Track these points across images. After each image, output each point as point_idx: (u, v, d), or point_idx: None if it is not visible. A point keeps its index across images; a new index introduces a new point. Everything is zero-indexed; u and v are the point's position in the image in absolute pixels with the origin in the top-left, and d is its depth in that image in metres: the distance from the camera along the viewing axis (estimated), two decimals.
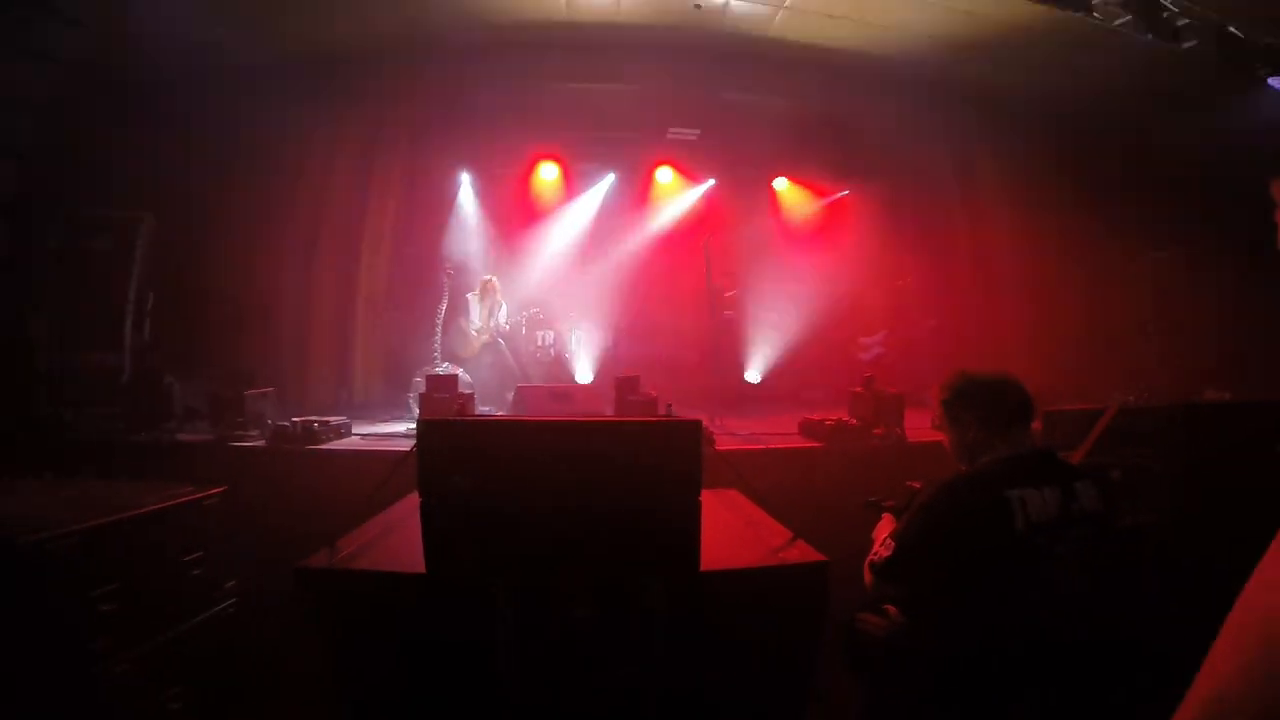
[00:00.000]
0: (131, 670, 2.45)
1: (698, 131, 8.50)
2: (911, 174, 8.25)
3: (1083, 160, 6.97)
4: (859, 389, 5.19)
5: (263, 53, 6.08)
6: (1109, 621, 2.05)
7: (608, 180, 8.96)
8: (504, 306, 7.16)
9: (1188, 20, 5.30)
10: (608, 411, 5.12)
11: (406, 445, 2.24)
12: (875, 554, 2.07)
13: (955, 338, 7.63)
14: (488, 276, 7.29)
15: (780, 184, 9.20)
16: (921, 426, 4.61)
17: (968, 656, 1.91)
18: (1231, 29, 5.34)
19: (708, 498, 2.00)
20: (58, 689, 2.18)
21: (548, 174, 8.72)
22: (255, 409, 4.87)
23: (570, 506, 1.82)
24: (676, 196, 9.04)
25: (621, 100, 7.70)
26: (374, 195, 7.75)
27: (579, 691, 1.80)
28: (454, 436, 1.86)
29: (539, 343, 8.13)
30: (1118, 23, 5.38)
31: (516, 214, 8.69)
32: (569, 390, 5.35)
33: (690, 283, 7.20)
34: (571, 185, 8.88)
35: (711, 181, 9.05)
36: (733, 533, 2.53)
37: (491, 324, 7.05)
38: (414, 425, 3.40)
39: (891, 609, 2.16)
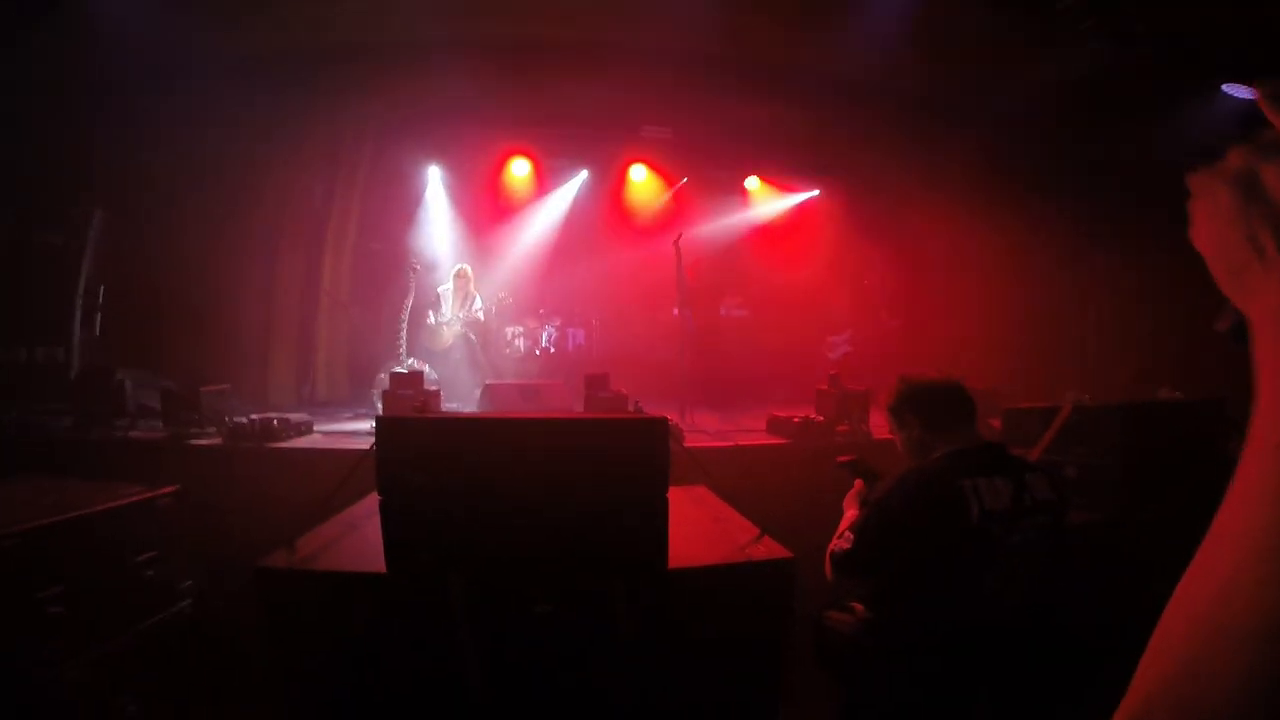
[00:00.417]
0: (84, 674, 2.38)
1: (671, 130, 8.51)
2: (877, 175, 8.38)
3: (1040, 164, 7.17)
4: (824, 386, 5.26)
5: (222, 46, 5.90)
6: (1061, 610, 2.11)
7: (580, 177, 8.92)
8: (477, 298, 7.09)
9: (1144, 27, 5.46)
10: (578, 408, 5.10)
11: (369, 443, 2.20)
12: (835, 545, 2.10)
13: (917, 336, 7.78)
14: (460, 266, 7.20)
15: (751, 183, 9.27)
16: (886, 423, 4.68)
17: (931, 647, 1.95)
18: (1187, 36, 5.52)
19: (676, 494, 2.00)
20: (4, 695, 2.10)
21: (519, 170, 8.64)
22: (211, 406, 4.73)
23: (533, 505, 1.80)
24: (650, 194, 9.04)
25: (594, 97, 7.65)
26: (338, 190, 7.59)
27: (542, 691, 1.79)
28: (413, 434, 1.83)
29: (509, 339, 8.07)
30: (1077, 30, 5.52)
31: (487, 210, 8.61)
32: (538, 387, 5.31)
33: (661, 280, 7.21)
34: (544, 181, 8.82)
35: (684, 180, 9.08)
36: (700, 529, 2.53)
37: (463, 314, 6.97)
38: None
39: (858, 606, 2.19)
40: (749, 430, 5.27)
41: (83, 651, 2.38)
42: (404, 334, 6.65)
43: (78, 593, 2.37)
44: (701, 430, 5.31)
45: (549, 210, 8.83)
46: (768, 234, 9.11)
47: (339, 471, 2.73)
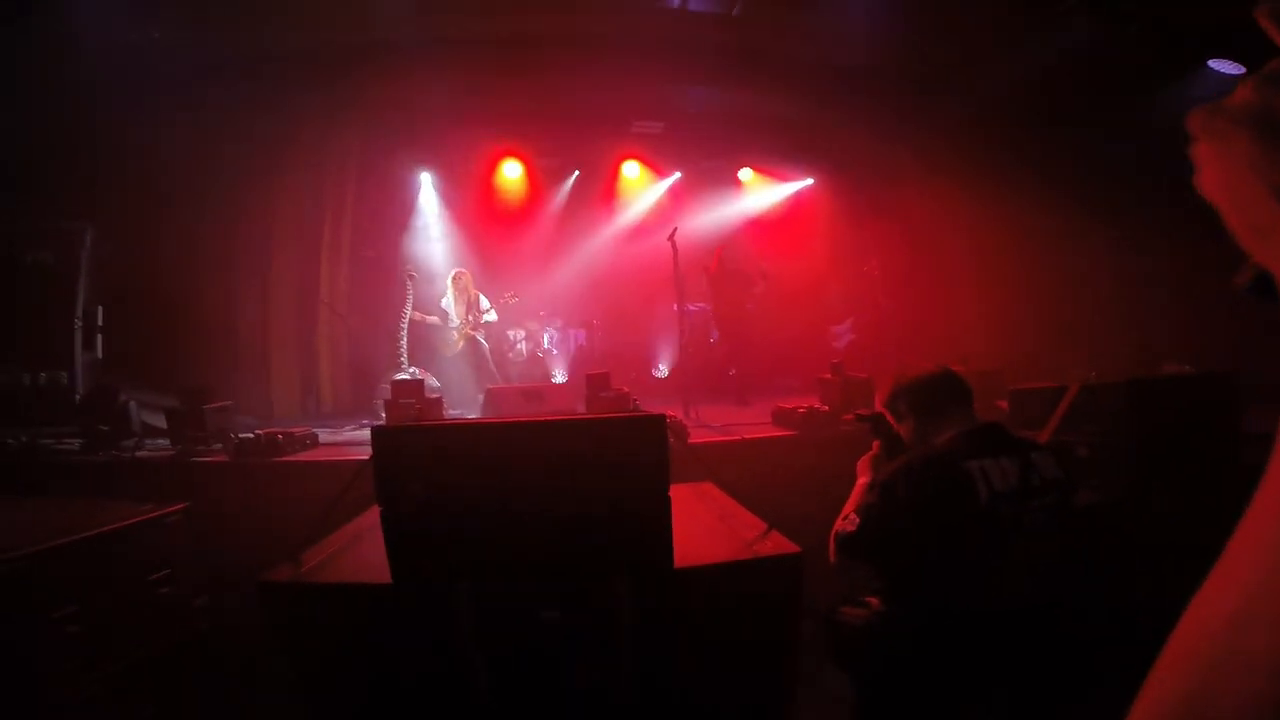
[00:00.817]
0: (101, 692, 2.39)
1: (662, 124, 8.48)
2: (872, 161, 8.33)
3: (1036, 143, 7.11)
4: (828, 375, 5.24)
5: (207, 54, 5.88)
6: (1073, 592, 2.09)
7: (573, 176, 8.90)
8: (482, 298, 7.08)
9: (1132, 4, 5.42)
10: (581, 409, 5.09)
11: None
12: (840, 526, 2.08)
13: (919, 321, 7.74)
14: (457, 270, 7.19)
15: (745, 175, 9.23)
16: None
17: (946, 635, 1.93)
18: (1173, 11, 5.47)
19: (682, 491, 1.98)
20: (22, 713, 2.11)
21: (511, 172, 8.63)
22: (216, 423, 4.74)
23: (533, 509, 1.79)
24: (643, 190, 9.02)
25: (584, 94, 7.63)
26: (330, 198, 7.58)
27: (550, 697, 1.78)
28: (409, 444, 1.82)
29: (512, 342, 8.07)
30: (1066, 6, 5.48)
31: (481, 213, 8.59)
32: (541, 390, 5.30)
33: (660, 276, 7.19)
34: (536, 182, 8.81)
35: (677, 174, 9.04)
36: (707, 527, 2.52)
37: (471, 317, 6.96)
38: None
39: (872, 600, 2.16)
40: (754, 424, 5.25)
41: (98, 669, 2.40)
42: (404, 341, 6.65)
43: (93, 611, 2.39)
44: (706, 425, 5.29)
45: (543, 212, 8.82)
46: (764, 225, 9.08)
47: (342, 483, 2.73)
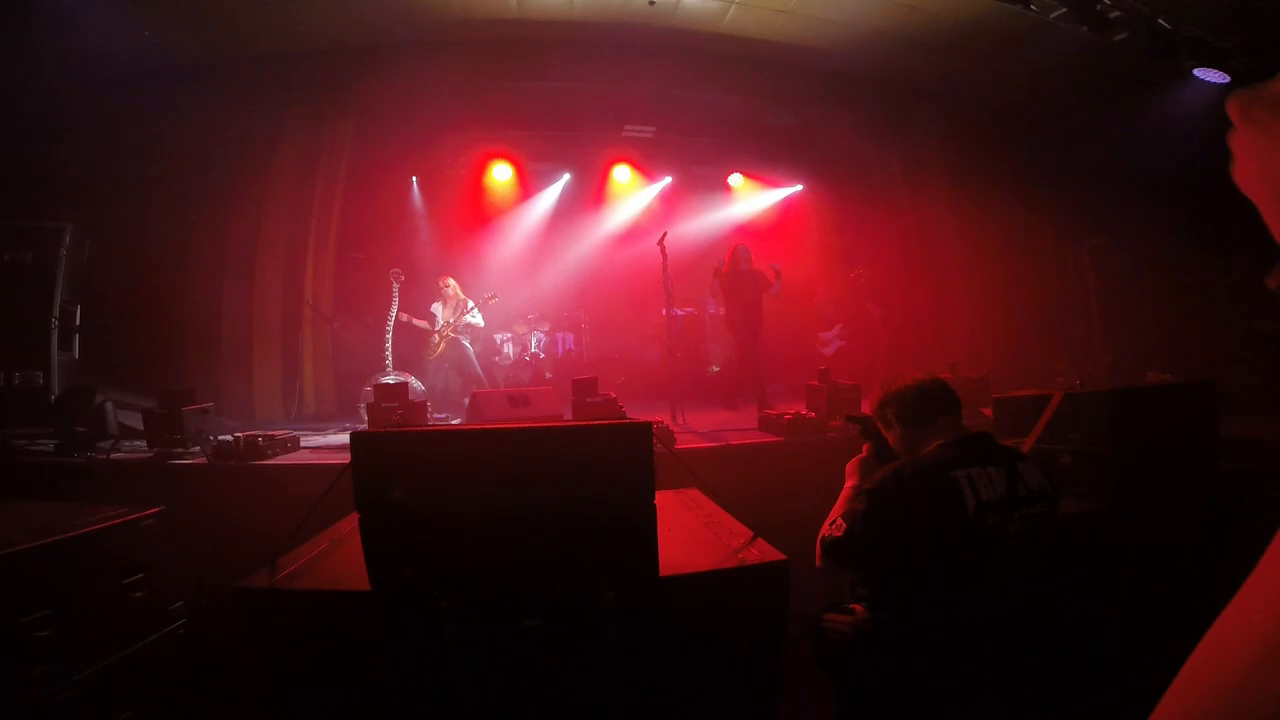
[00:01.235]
0: (73, 698, 2.34)
1: (653, 129, 8.48)
2: (861, 167, 8.38)
3: (1022, 151, 7.19)
4: (815, 382, 5.24)
5: (194, 53, 5.82)
6: (1060, 601, 2.09)
7: (563, 180, 8.88)
8: (469, 302, 7.04)
9: (1119, 13, 5.49)
10: (567, 414, 5.05)
11: None
12: (826, 531, 2.07)
13: (907, 327, 7.78)
14: (445, 280, 7.15)
15: (735, 180, 9.26)
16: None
17: (932, 643, 1.92)
18: (1160, 21, 5.55)
19: (668, 498, 1.96)
20: None
21: (501, 174, 8.60)
22: (194, 425, 4.66)
23: (516, 516, 1.76)
24: (633, 194, 9.02)
25: (575, 98, 7.62)
26: (317, 199, 7.50)
27: (533, 705, 1.75)
28: (389, 449, 1.78)
29: (498, 345, 8.02)
30: (1053, 15, 5.54)
31: (469, 215, 8.55)
32: (527, 394, 5.25)
33: (649, 281, 7.18)
34: (526, 185, 8.78)
35: (668, 179, 9.05)
36: (692, 534, 2.49)
37: (453, 321, 6.92)
38: None
39: (857, 607, 2.16)
40: (742, 429, 5.25)
41: (71, 675, 2.35)
42: (389, 344, 6.59)
43: (65, 616, 2.34)
44: (693, 431, 5.28)
45: (532, 214, 8.79)
46: (753, 231, 9.10)
47: (324, 487, 2.68)
